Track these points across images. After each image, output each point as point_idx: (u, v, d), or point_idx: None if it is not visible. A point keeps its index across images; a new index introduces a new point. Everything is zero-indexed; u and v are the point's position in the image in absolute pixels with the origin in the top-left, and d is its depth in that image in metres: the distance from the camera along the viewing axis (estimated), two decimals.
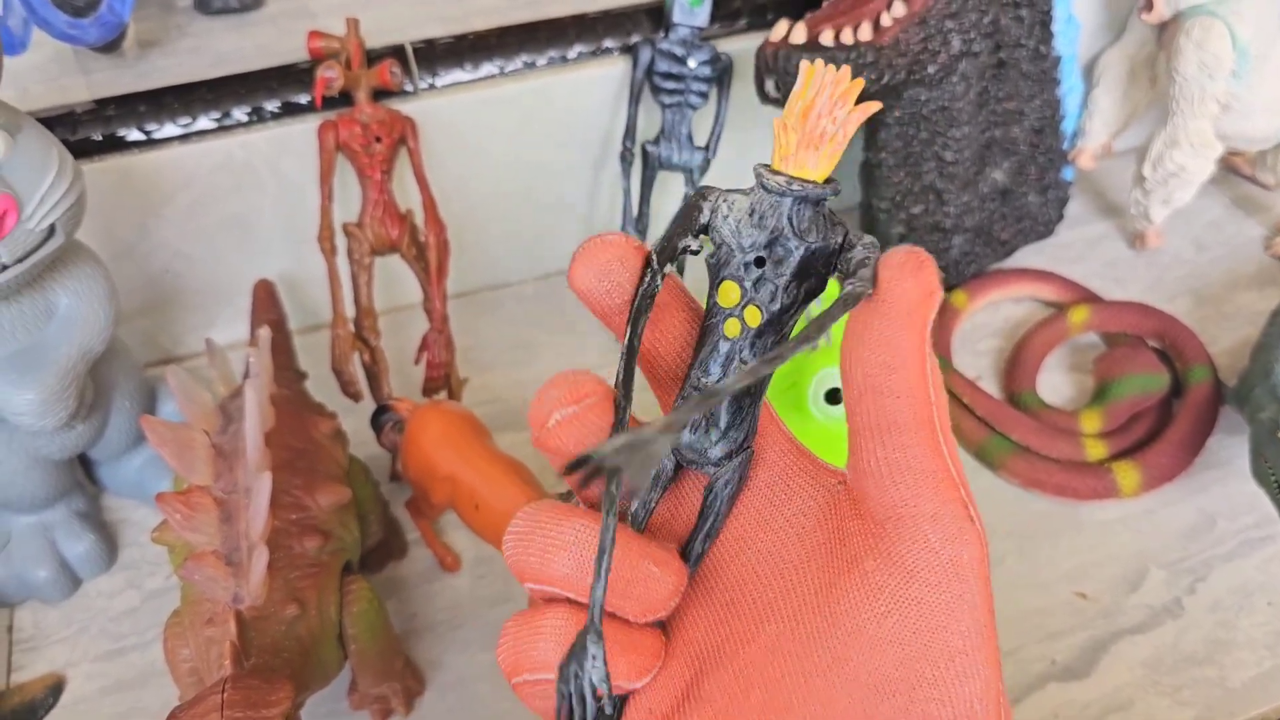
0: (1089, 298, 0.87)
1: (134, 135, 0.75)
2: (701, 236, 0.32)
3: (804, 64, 0.31)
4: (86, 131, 0.75)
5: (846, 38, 0.73)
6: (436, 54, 0.80)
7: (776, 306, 0.31)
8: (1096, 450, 0.76)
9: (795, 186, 0.31)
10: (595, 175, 0.87)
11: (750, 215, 0.31)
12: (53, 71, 0.78)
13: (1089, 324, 0.85)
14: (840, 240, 0.31)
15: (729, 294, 0.32)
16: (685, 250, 0.32)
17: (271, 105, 0.77)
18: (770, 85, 0.74)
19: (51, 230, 0.59)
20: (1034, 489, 0.75)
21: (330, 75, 0.74)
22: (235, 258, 0.82)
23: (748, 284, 0.31)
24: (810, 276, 0.32)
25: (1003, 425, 0.77)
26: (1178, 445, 0.75)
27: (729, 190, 0.32)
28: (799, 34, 0.73)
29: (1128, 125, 0.93)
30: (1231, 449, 0.77)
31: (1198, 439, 0.76)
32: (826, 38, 0.72)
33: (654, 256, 0.32)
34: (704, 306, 0.33)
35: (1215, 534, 0.73)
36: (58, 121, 0.74)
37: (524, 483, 0.63)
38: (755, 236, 0.31)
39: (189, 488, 0.58)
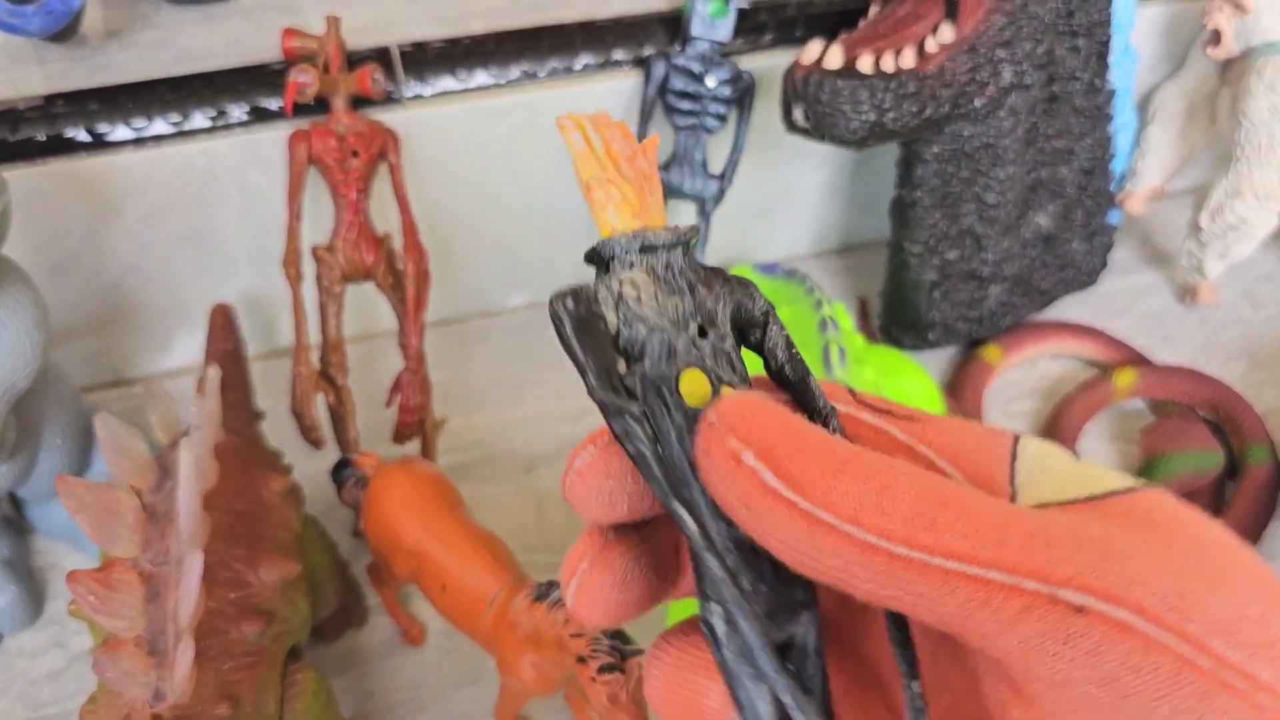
0: (1136, 359, 0.79)
1: (83, 136, 0.67)
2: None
3: (564, 121, 0.25)
4: (30, 130, 0.66)
5: (887, 64, 0.65)
6: (426, 59, 0.71)
7: (740, 378, 0.25)
8: None
9: (683, 231, 0.25)
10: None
11: (660, 284, 0.24)
12: (0, 61, 0.70)
13: (1136, 389, 0.77)
14: (740, 289, 0.25)
15: (696, 387, 0.24)
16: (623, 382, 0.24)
17: (238, 110, 0.69)
18: (799, 114, 0.66)
19: None
20: None
21: (304, 80, 0.65)
22: (195, 274, 0.74)
23: (708, 363, 0.24)
24: (742, 335, 0.26)
25: None
26: (1236, 531, 0.67)
27: (598, 280, 0.25)
28: (834, 58, 0.65)
29: (1183, 167, 0.85)
30: None
31: (1256, 528, 0.68)
32: (865, 64, 0.64)
33: (612, 422, 0.24)
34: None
35: None
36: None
37: (498, 563, 0.55)
38: (681, 303, 0.24)
39: (111, 561, 0.50)
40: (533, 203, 0.78)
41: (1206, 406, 0.76)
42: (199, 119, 0.68)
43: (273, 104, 0.69)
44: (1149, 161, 0.84)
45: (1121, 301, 0.86)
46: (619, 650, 0.47)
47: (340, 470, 0.62)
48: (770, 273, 0.81)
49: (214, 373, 0.59)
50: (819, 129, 0.65)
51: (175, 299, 0.75)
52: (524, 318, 0.83)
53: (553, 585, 0.52)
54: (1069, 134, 0.76)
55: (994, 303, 0.78)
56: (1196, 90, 0.84)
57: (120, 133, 0.67)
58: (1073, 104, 0.75)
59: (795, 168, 0.82)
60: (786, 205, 0.85)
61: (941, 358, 0.81)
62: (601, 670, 0.46)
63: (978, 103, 0.68)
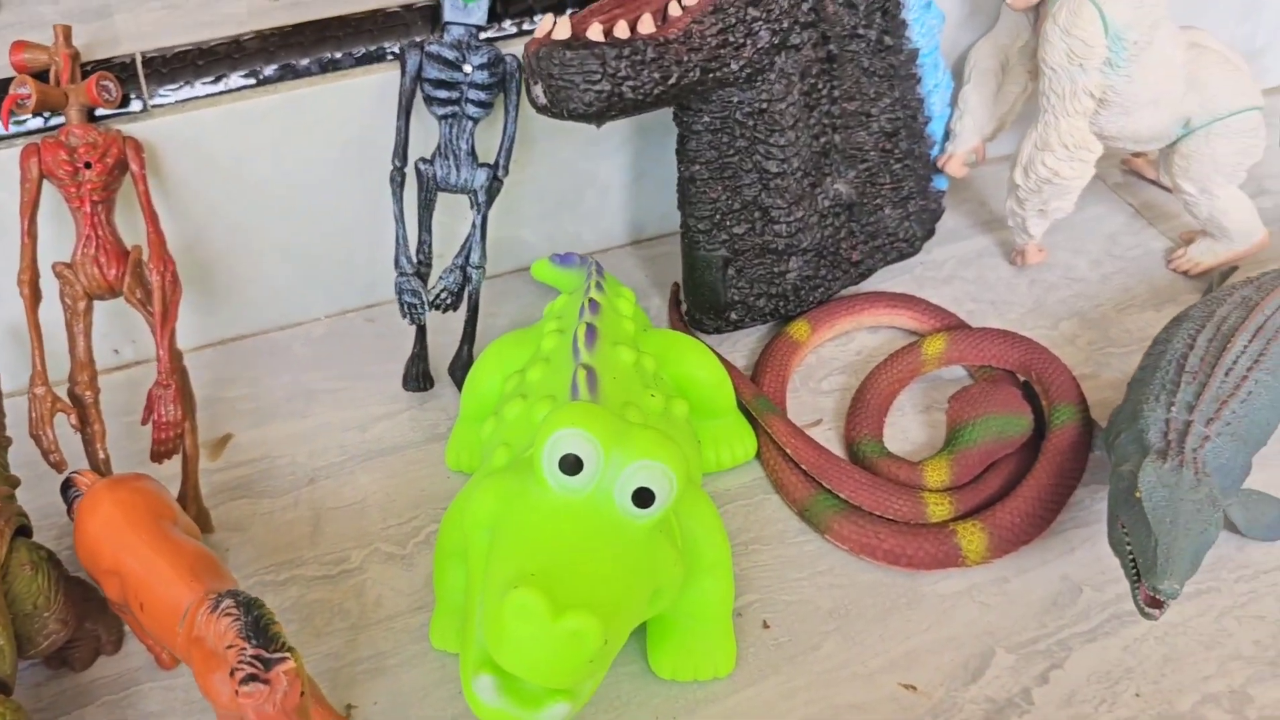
0: (953, 326, 0.76)
1: None
2: None
3: None
4: None
5: (621, 31, 0.62)
6: (176, 65, 0.69)
7: None
8: (940, 509, 0.64)
9: None
10: (378, 200, 0.76)
11: None
12: None
13: (945, 357, 0.73)
14: None
15: None
16: None
17: None
18: (538, 91, 0.63)
19: None
20: (864, 556, 0.63)
21: (21, 93, 0.63)
22: None
23: None
24: None
25: (828, 479, 0.65)
26: (1033, 502, 0.64)
27: None
28: (563, 29, 0.62)
29: (1005, 126, 0.82)
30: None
31: (1059, 494, 0.65)
32: (595, 31, 0.61)
33: None
34: None
35: (1079, 607, 0.62)
36: None
37: (193, 576, 0.52)
38: None
39: None
40: (314, 204, 0.75)
41: (1019, 368, 0.72)
42: None
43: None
44: (966, 122, 0.80)
45: (950, 268, 0.82)
46: (262, 660, 0.44)
47: (65, 490, 0.60)
48: (565, 263, 0.78)
49: None
50: (556, 104, 0.62)
51: None
52: (325, 327, 0.81)
53: (225, 595, 0.49)
54: (860, 95, 0.73)
55: (796, 277, 0.75)
56: (1010, 46, 0.80)
57: None
58: (860, 64, 0.72)
59: (592, 156, 0.79)
60: (592, 195, 0.82)
61: (755, 337, 0.78)
62: (243, 682, 0.43)
63: (735, 65, 0.65)
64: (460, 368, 0.74)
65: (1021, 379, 0.72)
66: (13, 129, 0.67)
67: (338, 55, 0.71)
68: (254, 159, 0.72)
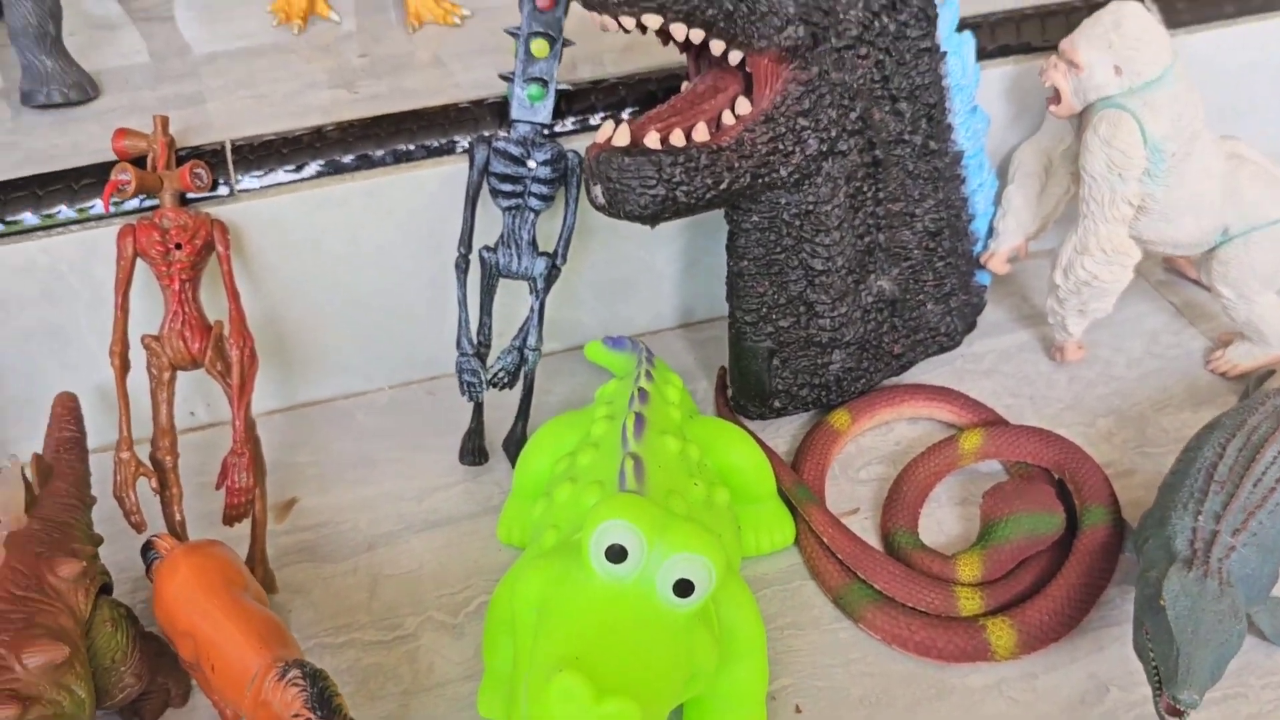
0: (990, 420, 0.78)
1: None
2: None
3: None
4: None
5: (676, 139, 0.66)
6: (262, 153, 0.74)
7: None
8: (971, 603, 0.67)
9: None
10: (444, 282, 0.80)
11: None
12: None
13: (982, 452, 0.75)
14: None
15: None
16: None
17: (73, 209, 0.72)
18: (597, 192, 0.67)
19: None
20: (896, 646, 0.66)
21: (122, 179, 0.68)
22: (52, 367, 0.77)
23: None
24: None
25: (863, 569, 0.68)
26: (1063, 600, 0.66)
27: None
28: (622, 136, 0.66)
29: (1046, 226, 0.85)
30: None
31: (1089, 593, 0.66)
32: (652, 139, 0.65)
33: None
34: None
35: (1106, 706, 0.63)
36: None
37: (262, 642, 0.55)
38: None
39: None
40: (382, 284, 0.80)
41: (1054, 466, 0.74)
42: (30, 218, 0.71)
43: (90, 204, 0.72)
44: (1009, 221, 0.83)
45: (990, 362, 0.85)
46: None
47: (146, 551, 0.64)
48: (617, 346, 0.81)
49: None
50: (613, 205, 0.66)
51: (34, 390, 0.77)
52: (387, 397, 0.85)
53: (292, 664, 0.52)
54: (905, 197, 0.76)
55: (839, 369, 0.77)
56: (1053, 148, 0.83)
57: None
58: (905, 168, 0.75)
59: (648, 244, 0.83)
60: (645, 280, 0.86)
61: (797, 424, 0.80)
62: None
63: (784, 171, 0.69)
64: (514, 444, 0.78)
65: (1056, 476, 0.74)
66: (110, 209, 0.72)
67: (411, 147, 0.75)
68: (329, 241, 0.76)
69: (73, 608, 0.59)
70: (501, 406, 0.80)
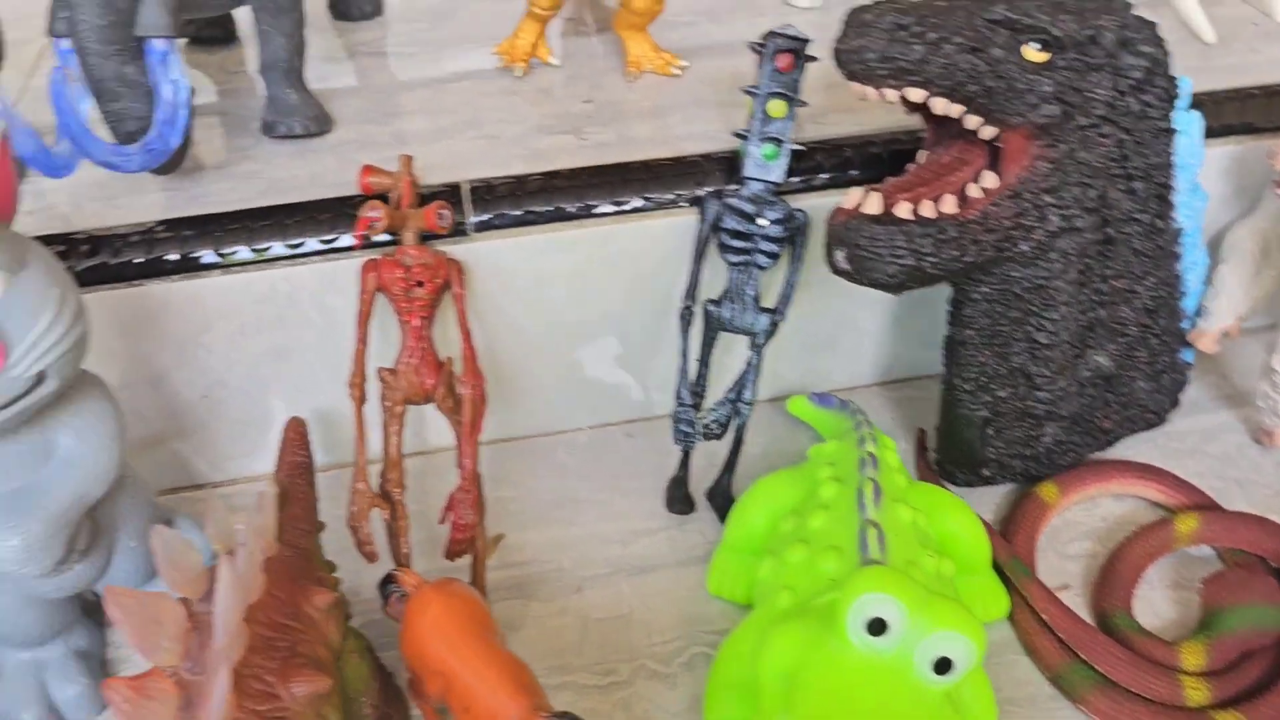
0: (1202, 503, 0.77)
1: (177, 261, 0.73)
2: None
3: None
4: (131, 254, 0.73)
5: (926, 210, 0.66)
6: (494, 195, 0.76)
7: None
8: (1198, 693, 0.66)
9: None
10: (655, 329, 0.81)
11: None
12: (115, 189, 0.77)
13: (1199, 535, 0.74)
14: None
15: None
16: None
17: (316, 240, 0.74)
18: (840, 257, 0.67)
19: (41, 377, 0.56)
20: None
21: (373, 216, 0.70)
22: (276, 389, 0.79)
23: None
24: None
25: (1087, 651, 0.67)
26: None
27: None
28: (873, 204, 0.66)
29: (1258, 306, 0.84)
30: None
31: None
32: (903, 210, 0.66)
33: None
34: None
35: None
36: (104, 244, 0.72)
37: (519, 688, 0.56)
38: None
39: (151, 669, 0.53)
40: (597, 329, 0.81)
41: (1275, 557, 0.73)
42: (279, 247, 0.73)
43: (347, 235, 0.74)
44: (1221, 301, 0.82)
45: (1192, 441, 0.84)
46: None
47: (386, 584, 0.65)
48: (824, 404, 0.82)
49: (269, 491, 0.63)
50: (859, 272, 0.67)
51: (257, 411, 0.80)
52: (587, 438, 0.86)
53: (556, 715, 0.53)
54: (1129, 274, 0.76)
55: (1051, 441, 0.77)
56: (1270, 230, 0.82)
57: (210, 257, 0.73)
58: (1131, 245, 0.75)
59: (856, 300, 0.84)
60: (848, 336, 0.86)
61: (998, 493, 0.80)
62: None
63: (1024, 246, 0.69)
64: (719, 495, 0.78)
65: (1275, 566, 0.73)
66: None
67: (646, 198, 0.76)
68: (552, 284, 0.78)
69: (327, 637, 0.60)
70: (701, 454, 0.80)
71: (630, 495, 0.81)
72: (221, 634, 0.53)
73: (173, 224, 0.73)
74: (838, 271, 0.69)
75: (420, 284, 0.71)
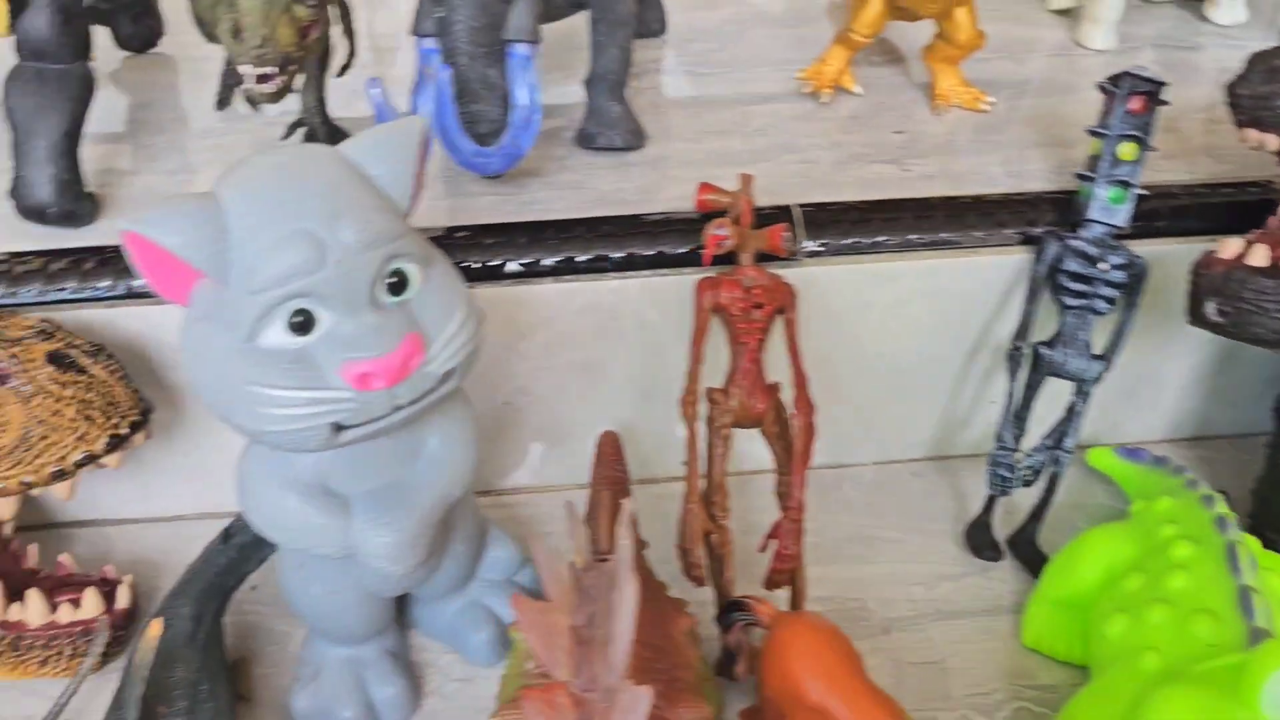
0: None
1: (512, 266, 0.72)
2: None
3: None
4: (461, 257, 0.72)
5: None
6: (824, 220, 0.74)
7: None
8: None
9: None
10: (964, 368, 0.80)
11: None
12: (439, 191, 0.77)
13: None
14: None
15: None
16: None
17: (647, 253, 0.73)
18: (1211, 309, 0.65)
19: (449, 375, 0.55)
20: None
21: (723, 234, 0.69)
22: (578, 401, 0.78)
23: None
24: None
25: None
26: None
27: None
28: (1259, 256, 0.64)
29: None
30: None
31: None
32: None
33: None
34: None
35: None
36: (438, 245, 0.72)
37: None
38: None
39: (550, 685, 0.52)
40: (904, 364, 0.79)
41: None
42: (614, 257, 0.73)
43: (679, 249, 0.73)
44: None
45: None
46: None
47: (731, 612, 0.64)
48: (1136, 459, 0.79)
49: (628, 506, 0.62)
50: (1236, 326, 0.64)
51: (556, 422, 0.79)
52: (873, 474, 0.84)
53: None
54: None
55: None
56: None
57: (544, 263, 0.72)
58: None
59: (1164, 353, 0.81)
60: (1147, 389, 0.83)
61: None
62: None
63: None
64: (1024, 544, 0.76)
65: None
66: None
67: (967, 233, 0.75)
68: (866, 316, 0.76)
69: (693, 663, 0.59)
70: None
71: (927, 536, 0.79)
72: (621, 655, 0.52)
73: (506, 229, 0.73)
74: (1205, 324, 0.66)
75: (759, 305, 0.70)
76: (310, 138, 0.79)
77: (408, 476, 0.60)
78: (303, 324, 0.51)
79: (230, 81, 0.86)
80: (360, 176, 0.52)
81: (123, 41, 0.94)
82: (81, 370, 0.63)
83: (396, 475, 0.60)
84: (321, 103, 0.78)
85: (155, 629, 0.61)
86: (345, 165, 0.52)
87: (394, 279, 0.53)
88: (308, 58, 0.62)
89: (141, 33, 0.93)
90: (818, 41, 0.94)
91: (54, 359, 0.62)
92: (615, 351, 0.76)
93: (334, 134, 0.79)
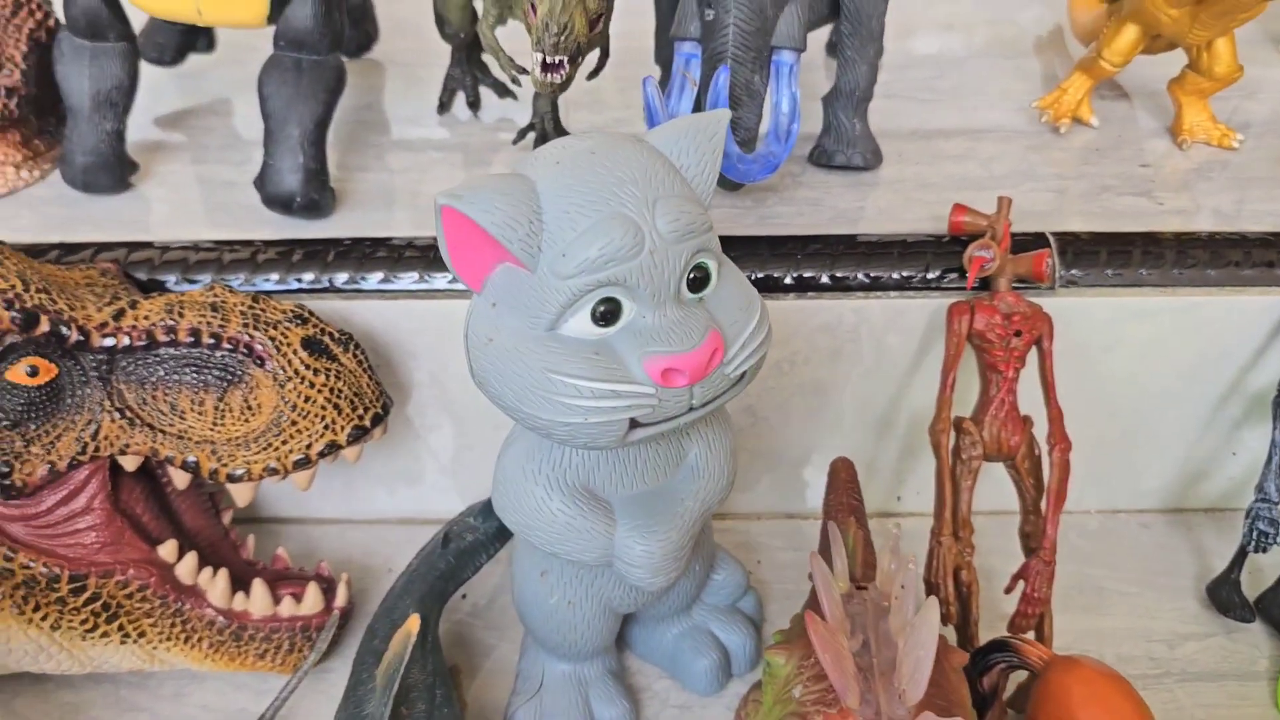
0: None
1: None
2: None
3: None
4: None
5: None
6: (1079, 249, 0.71)
7: None
8: None
9: None
10: (1212, 415, 0.75)
11: None
12: None
13: None
14: None
15: None
16: None
17: (892, 274, 0.70)
18: None
19: (740, 377, 0.53)
20: None
21: (986, 256, 0.66)
22: (802, 424, 0.75)
23: None
24: None
25: None
26: None
27: None
28: None
29: None
30: None
31: None
32: None
33: None
34: None
35: None
36: None
37: None
38: None
39: (842, 709, 0.49)
40: (1139, 407, 0.75)
41: None
42: (860, 276, 0.70)
43: (926, 273, 0.70)
44: None
45: None
46: None
47: (992, 652, 0.60)
48: None
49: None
50: None
51: (777, 444, 0.76)
52: (1098, 522, 0.80)
53: None
54: None
55: None
56: None
57: (787, 279, 0.70)
58: None
59: None
60: None
61: None
62: None
63: None
64: (1278, 605, 0.71)
65: None
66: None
67: (1231, 271, 0.71)
68: (1118, 351, 0.73)
69: (964, 701, 0.55)
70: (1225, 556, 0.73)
71: (1162, 592, 0.74)
72: (919, 685, 0.49)
73: (746, 241, 0.71)
74: None
75: (1018, 334, 0.67)
76: (540, 141, 0.78)
77: (669, 485, 0.58)
78: (608, 313, 0.49)
79: (452, 85, 0.86)
80: (671, 166, 0.50)
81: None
82: (333, 358, 0.62)
83: (658, 482, 0.57)
84: (555, 107, 0.77)
85: (414, 624, 0.59)
86: (656, 154, 0.50)
87: (695, 274, 0.50)
88: (589, 50, 0.61)
89: (358, 37, 0.93)
90: (1035, 71, 0.92)
91: (308, 345, 0.61)
92: (849, 374, 0.73)
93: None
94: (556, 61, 0.59)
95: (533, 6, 0.59)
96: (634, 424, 0.50)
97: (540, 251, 0.48)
